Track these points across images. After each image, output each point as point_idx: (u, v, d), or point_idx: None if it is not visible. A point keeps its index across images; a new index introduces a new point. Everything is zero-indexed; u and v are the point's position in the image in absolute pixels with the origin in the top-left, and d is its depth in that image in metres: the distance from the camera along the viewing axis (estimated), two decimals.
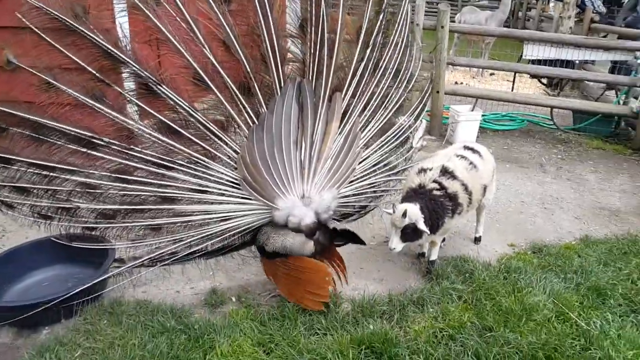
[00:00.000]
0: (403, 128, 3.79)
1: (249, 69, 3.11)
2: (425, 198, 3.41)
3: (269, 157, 3.10)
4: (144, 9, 2.81)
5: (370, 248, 4.16)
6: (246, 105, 3.15)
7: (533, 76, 9.45)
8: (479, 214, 4.17)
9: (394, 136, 3.73)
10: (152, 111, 2.95)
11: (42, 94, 2.73)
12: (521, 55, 8.54)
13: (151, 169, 2.99)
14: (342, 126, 3.39)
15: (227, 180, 3.10)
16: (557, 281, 3.52)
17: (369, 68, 3.56)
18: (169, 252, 3.16)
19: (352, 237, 3.26)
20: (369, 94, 3.57)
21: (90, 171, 2.91)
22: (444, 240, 4.01)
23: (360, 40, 3.50)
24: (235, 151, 3.14)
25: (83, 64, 2.76)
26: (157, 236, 3.14)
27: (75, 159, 2.89)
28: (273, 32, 3.14)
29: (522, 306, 3.21)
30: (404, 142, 3.87)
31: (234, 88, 3.09)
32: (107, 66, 2.82)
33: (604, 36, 9.67)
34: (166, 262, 3.22)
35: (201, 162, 3.05)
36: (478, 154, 3.89)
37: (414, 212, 3.28)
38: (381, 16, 3.58)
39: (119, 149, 2.90)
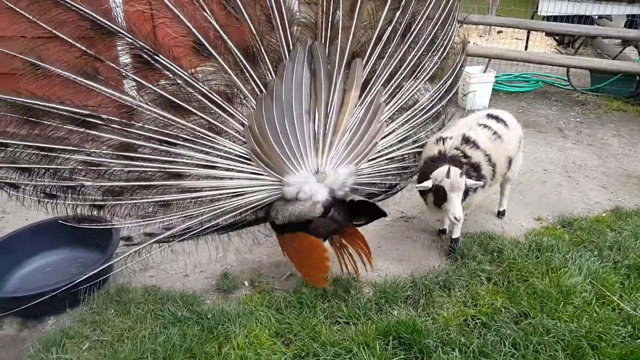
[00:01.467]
0: (434, 100, 3.48)
1: (254, 31, 2.81)
2: (449, 161, 3.15)
3: (279, 128, 2.87)
4: None
5: (387, 225, 3.95)
6: (252, 73, 2.89)
7: (548, 34, 9.04)
8: (503, 186, 3.91)
9: (423, 109, 3.43)
10: (150, 85, 2.73)
11: (29, 76, 2.51)
12: (535, 11, 8.13)
13: (154, 145, 2.79)
14: (362, 96, 3.10)
15: (236, 155, 2.89)
16: (593, 259, 3.30)
17: (399, 32, 3.19)
18: (182, 228, 2.98)
19: (371, 212, 3.00)
20: (397, 61, 3.23)
21: (92, 150, 2.72)
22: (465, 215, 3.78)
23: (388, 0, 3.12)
24: (242, 124, 2.91)
25: (70, 39, 2.51)
26: (168, 213, 2.95)
27: (74, 139, 2.70)
28: None
29: (559, 289, 3.00)
30: (436, 116, 3.60)
31: (239, 54, 2.82)
32: (97, 39, 2.56)
33: None
34: (180, 238, 3.05)
35: (207, 137, 2.84)
36: (503, 123, 3.60)
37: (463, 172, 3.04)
38: None
39: (118, 126, 2.71)
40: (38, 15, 2.42)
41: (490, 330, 2.78)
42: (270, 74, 2.93)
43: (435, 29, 3.36)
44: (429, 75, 3.42)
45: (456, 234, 3.54)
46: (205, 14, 2.69)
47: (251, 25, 2.81)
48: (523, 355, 2.60)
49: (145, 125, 2.75)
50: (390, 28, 3.15)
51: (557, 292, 2.99)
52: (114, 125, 2.70)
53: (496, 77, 6.88)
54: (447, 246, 3.62)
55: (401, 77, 3.27)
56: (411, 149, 3.43)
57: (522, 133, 3.79)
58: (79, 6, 2.44)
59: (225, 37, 2.77)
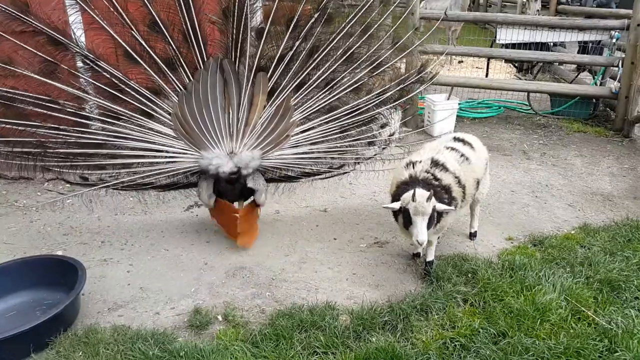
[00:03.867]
0: (364, 108, 3.96)
1: (174, 47, 3.62)
2: (421, 184, 3.19)
3: (198, 116, 3.63)
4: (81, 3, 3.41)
5: (361, 251, 3.92)
6: (173, 77, 3.69)
7: (507, 60, 9.34)
8: (473, 208, 3.95)
9: (350, 113, 3.92)
10: (94, 81, 3.57)
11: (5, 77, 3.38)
12: (494, 40, 8.41)
13: (99, 125, 3.57)
14: (270, 100, 3.79)
15: (166, 134, 3.65)
16: (566, 276, 3.33)
17: (302, 55, 3.81)
18: (129, 180, 3.73)
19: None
20: (305, 75, 3.84)
21: (53, 125, 3.48)
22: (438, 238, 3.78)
23: (289, 32, 3.74)
24: (169, 113, 3.70)
25: (34, 50, 3.35)
26: (117, 169, 3.71)
27: (39, 116, 3.46)
28: (194, 18, 3.59)
29: (535, 306, 3.00)
30: (370, 120, 4.08)
31: (161, 63, 3.62)
32: (54, 49, 3.40)
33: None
34: (126, 187, 3.83)
35: (141, 119, 3.62)
36: (469, 146, 3.68)
37: (430, 196, 3.05)
38: (317, 14, 3.75)
39: (71, 109, 3.50)
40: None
41: (469, 352, 2.75)
42: (188, 77, 3.73)
43: (352, 50, 3.87)
44: (351, 87, 3.93)
45: (430, 256, 3.54)
46: (133, 32, 3.49)
47: (172, 43, 3.60)
48: None
49: (93, 110, 3.58)
50: (291, 53, 3.79)
51: (533, 310, 2.99)
52: (68, 109, 3.48)
53: (459, 104, 7.03)
54: (422, 269, 3.60)
55: (311, 88, 3.87)
56: (343, 142, 3.99)
57: (488, 155, 3.86)
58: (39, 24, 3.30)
59: (150, 50, 3.57)
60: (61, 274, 3.30)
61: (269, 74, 3.81)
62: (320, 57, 3.83)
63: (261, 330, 3.00)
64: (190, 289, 3.45)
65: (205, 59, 3.72)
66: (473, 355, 2.71)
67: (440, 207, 3.08)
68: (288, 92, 3.83)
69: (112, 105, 3.55)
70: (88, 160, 3.62)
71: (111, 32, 3.47)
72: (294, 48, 3.78)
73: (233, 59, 3.78)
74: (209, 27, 3.77)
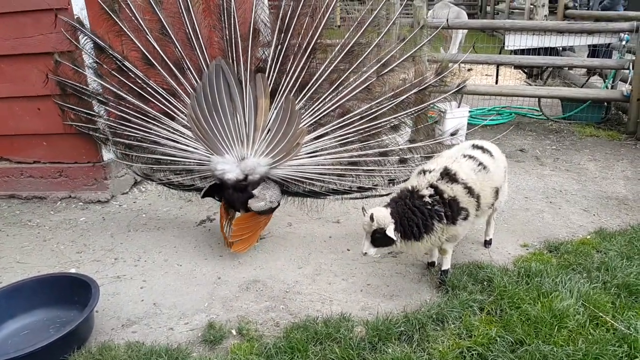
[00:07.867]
0: (377, 112, 3.82)
1: (180, 49, 3.83)
2: (400, 202, 3.23)
3: (209, 118, 3.75)
4: (111, 14, 3.83)
5: (375, 261, 3.88)
6: (183, 79, 3.87)
7: (517, 67, 9.32)
8: (489, 216, 3.90)
9: (363, 118, 3.80)
10: (123, 79, 3.96)
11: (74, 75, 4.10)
12: (502, 47, 8.40)
13: (137, 120, 3.92)
14: (273, 103, 3.80)
15: (188, 136, 3.84)
16: (583, 281, 3.27)
17: (295, 51, 3.78)
18: (172, 179, 4.18)
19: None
20: (306, 75, 3.80)
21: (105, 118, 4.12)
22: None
23: (277, 27, 3.76)
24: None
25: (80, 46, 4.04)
26: (160, 166, 4.12)
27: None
28: (195, 20, 3.80)
29: (552, 313, 2.94)
30: (395, 127, 3.94)
31: (171, 65, 3.86)
32: (99, 53, 3.99)
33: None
34: (175, 185, 4.24)
35: (164, 119, 3.87)
36: (489, 154, 3.59)
37: (383, 217, 3.13)
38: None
39: (114, 104, 4.00)
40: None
41: None
42: (196, 80, 3.87)
43: (351, 44, 3.76)
44: (359, 88, 3.80)
45: (446, 265, 3.50)
46: (148, 37, 3.81)
47: (178, 46, 3.82)
48: None
49: (127, 105, 3.94)
50: (282, 49, 3.78)
51: (550, 316, 2.93)
52: (112, 103, 3.99)
53: (470, 111, 7.01)
54: (437, 278, 3.57)
55: (313, 89, 3.81)
56: (365, 154, 3.87)
57: (507, 163, 3.81)
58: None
59: (161, 53, 3.84)
60: (74, 291, 3.31)
61: (267, 74, 3.81)
62: (315, 52, 3.76)
63: (276, 344, 2.97)
64: (203, 304, 3.44)
65: (209, 61, 3.85)
66: None
67: (390, 233, 3.13)
68: (290, 93, 3.79)
69: (141, 104, 3.89)
70: (139, 152, 4.08)
71: (132, 36, 3.83)
72: (285, 44, 3.75)
73: (231, 61, 3.86)
74: (209, 30, 3.95)
